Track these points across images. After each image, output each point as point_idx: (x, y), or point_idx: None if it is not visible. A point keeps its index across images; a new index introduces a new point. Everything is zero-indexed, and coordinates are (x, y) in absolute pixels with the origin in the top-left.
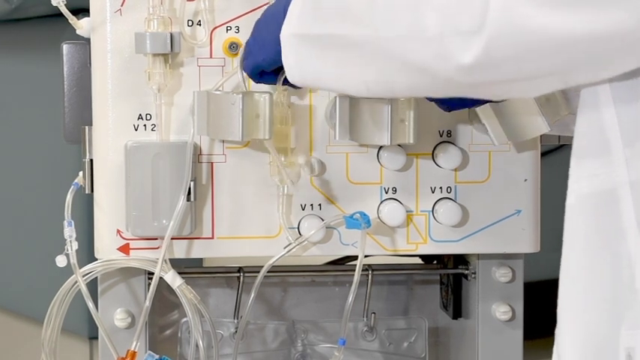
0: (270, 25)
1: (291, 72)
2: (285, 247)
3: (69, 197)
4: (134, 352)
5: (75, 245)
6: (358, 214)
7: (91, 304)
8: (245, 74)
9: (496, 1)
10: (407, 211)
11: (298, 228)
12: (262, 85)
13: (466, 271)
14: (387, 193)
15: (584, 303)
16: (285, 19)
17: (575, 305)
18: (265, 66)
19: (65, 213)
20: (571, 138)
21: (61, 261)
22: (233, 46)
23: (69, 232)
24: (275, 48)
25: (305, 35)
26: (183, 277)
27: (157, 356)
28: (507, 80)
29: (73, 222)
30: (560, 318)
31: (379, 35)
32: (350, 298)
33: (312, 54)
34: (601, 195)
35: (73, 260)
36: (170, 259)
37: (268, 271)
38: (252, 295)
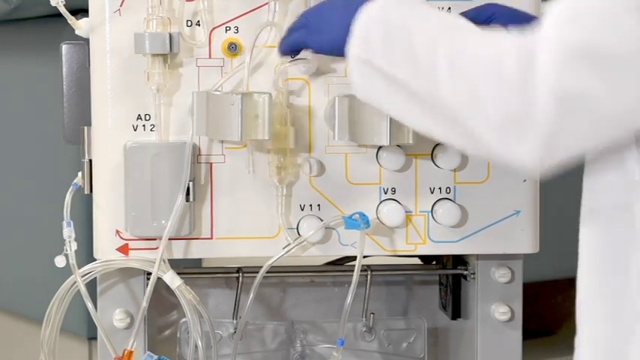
0: (341, 11)
1: (355, 88)
2: (284, 248)
3: (68, 197)
4: (130, 352)
5: (74, 246)
6: (357, 215)
7: (90, 305)
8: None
9: (549, 90)
10: (406, 212)
11: (297, 228)
12: (262, 85)
13: (465, 272)
14: (386, 193)
15: (601, 314)
16: (354, 35)
17: (592, 316)
18: (323, 50)
19: (64, 213)
20: None
21: (60, 261)
22: (232, 47)
23: (68, 232)
24: (340, 39)
25: (373, 64)
26: (182, 278)
27: (155, 356)
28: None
29: (72, 222)
30: (578, 328)
31: (441, 95)
32: (349, 299)
33: (377, 83)
34: (616, 210)
35: (72, 260)
36: (169, 260)
37: (267, 272)
38: (251, 296)
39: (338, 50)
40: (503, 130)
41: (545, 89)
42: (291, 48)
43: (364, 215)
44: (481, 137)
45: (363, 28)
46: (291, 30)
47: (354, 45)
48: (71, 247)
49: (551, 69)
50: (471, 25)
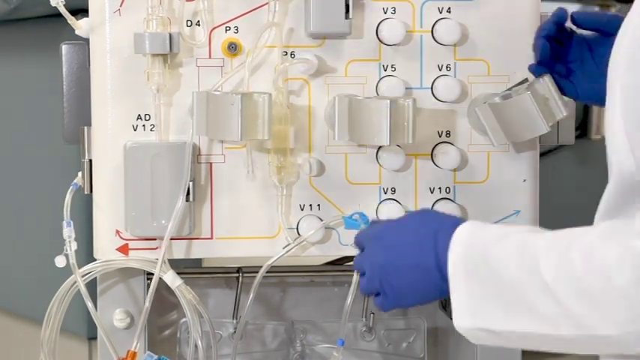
0: (417, 279)
1: (479, 343)
2: (284, 248)
3: (68, 197)
4: (134, 353)
5: (74, 245)
6: (357, 215)
7: (90, 304)
8: None
9: None
10: (406, 212)
11: (297, 228)
12: (262, 85)
13: None
14: (385, 193)
15: None
16: (457, 307)
17: None
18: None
19: (64, 213)
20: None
21: (60, 261)
22: (232, 47)
23: (68, 232)
24: (427, 300)
25: (492, 331)
26: (182, 278)
27: (156, 356)
28: None
29: (72, 222)
30: None
31: (561, 334)
32: (349, 299)
33: (501, 341)
34: None
35: (72, 260)
36: (169, 260)
37: (267, 272)
38: (251, 296)
39: (434, 300)
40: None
41: None
42: (389, 310)
43: (364, 215)
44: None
45: (462, 297)
46: (367, 292)
47: (463, 318)
48: (71, 247)
49: None
50: (566, 236)
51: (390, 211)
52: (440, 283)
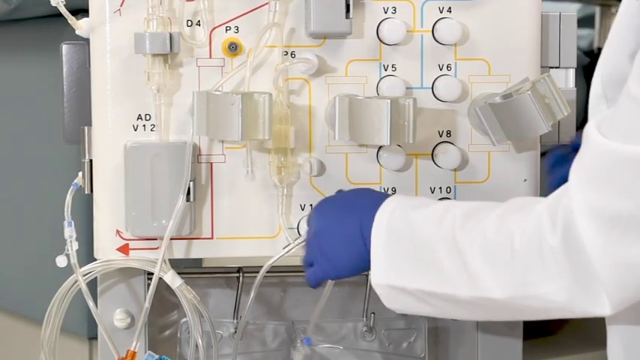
0: (344, 244)
1: (391, 306)
2: (284, 248)
3: (68, 197)
4: (134, 353)
5: (75, 245)
6: None
7: (91, 303)
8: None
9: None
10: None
11: (298, 228)
12: (262, 85)
13: None
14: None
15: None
16: (374, 264)
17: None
18: (345, 276)
19: (65, 213)
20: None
21: (61, 261)
22: (232, 47)
23: (69, 232)
24: (353, 270)
25: (403, 289)
26: (182, 278)
27: (156, 356)
28: None
29: (73, 222)
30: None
31: (489, 295)
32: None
33: (410, 300)
34: None
35: (74, 260)
36: (170, 260)
37: (268, 272)
38: (251, 295)
39: (359, 272)
40: (571, 304)
41: (599, 263)
42: (317, 283)
43: None
44: (549, 311)
45: (379, 254)
46: (306, 264)
47: (379, 274)
48: (72, 246)
49: (597, 241)
50: (478, 208)
51: None
52: (363, 251)
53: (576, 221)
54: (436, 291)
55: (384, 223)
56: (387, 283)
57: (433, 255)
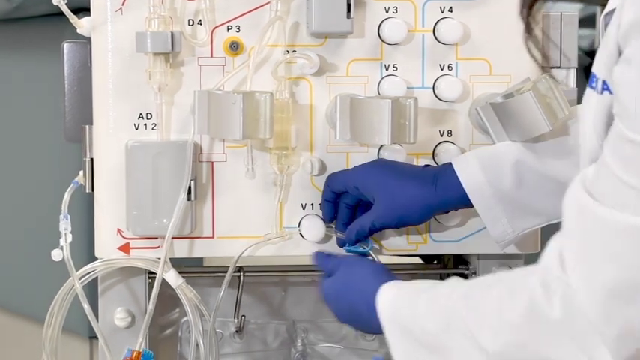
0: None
1: None
2: (265, 235)
3: (67, 194)
4: (139, 352)
5: (69, 238)
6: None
7: (86, 306)
8: None
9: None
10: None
11: (299, 227)
12: (263, 84)
13: (466, 271)
14: None
15: None
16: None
17: None
18: None
19: (62, 208)
20: None
21: (56, 255)
22: (234, 46)
23: (64, 224)
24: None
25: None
26: (183, 277)
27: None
28: None
29: (69, 216)
30: None
31: None
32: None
33: None
34: None
35: (67, 253)
36: (170, 259)
37: (268, 270)
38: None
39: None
40: None
41: (605, 329)
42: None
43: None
44: None
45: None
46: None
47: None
48: (67, 239)
49: (596, 313)
50: (473, 284)
51: None
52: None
53: (576, 295)
54: None
55: (391, 318)
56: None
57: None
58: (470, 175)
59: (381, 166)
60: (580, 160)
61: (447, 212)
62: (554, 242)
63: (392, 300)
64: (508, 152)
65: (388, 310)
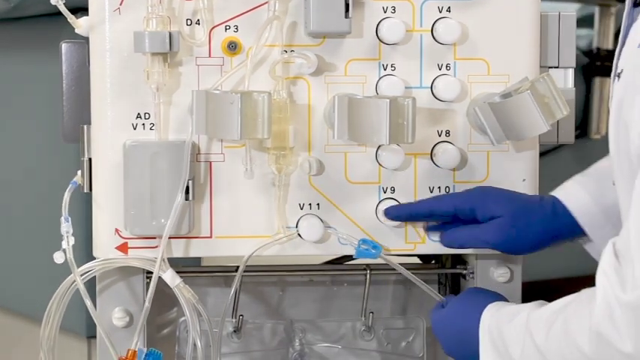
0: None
1: None
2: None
3: (66, 195)
4: (135, 352)
5: (72, 240)
6: (364, 244)
7: (89, 302)
8: None
9: None
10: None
11: (297, 227)
12: (261, 84)
13: (464, 271)
14: (385, 192)
15: None
16: None
17: None
18: None
19: (62, 210)
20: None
21: (58, 257)
22: (232, 46)
23: (66, 227)
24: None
25: None
26: (181, 276)
27: (145, 350)
28: None
29: (70, 218)
30: None
31: None
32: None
33: None
34: None
35: (70, 255)
36: (168, 258)
37: (267, 270)
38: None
39: None
40: None
41: None
42: None
43: (367, 241)
44: None
45: None
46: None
47: None
48: (69, 242)
49: None
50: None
51: None
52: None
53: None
54: None
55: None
56: None
57: None
58: (576, 198)
59: (496, 188)
60: None
61: (558, 244)
62: (609, 242)
63: (489, 320)
64: (608, 167)
65: (486, 329)
